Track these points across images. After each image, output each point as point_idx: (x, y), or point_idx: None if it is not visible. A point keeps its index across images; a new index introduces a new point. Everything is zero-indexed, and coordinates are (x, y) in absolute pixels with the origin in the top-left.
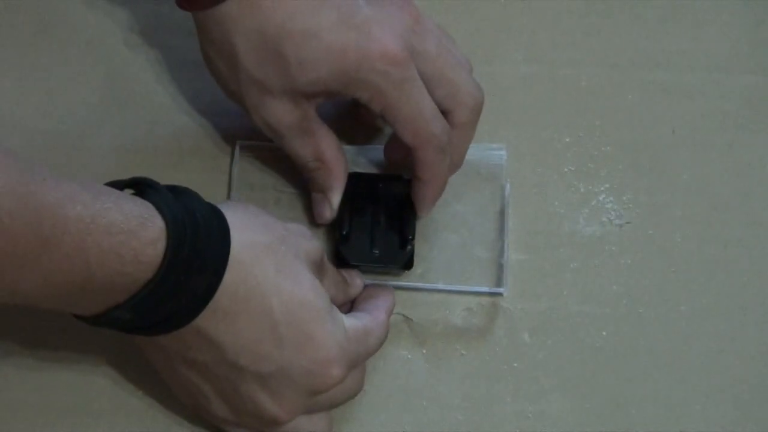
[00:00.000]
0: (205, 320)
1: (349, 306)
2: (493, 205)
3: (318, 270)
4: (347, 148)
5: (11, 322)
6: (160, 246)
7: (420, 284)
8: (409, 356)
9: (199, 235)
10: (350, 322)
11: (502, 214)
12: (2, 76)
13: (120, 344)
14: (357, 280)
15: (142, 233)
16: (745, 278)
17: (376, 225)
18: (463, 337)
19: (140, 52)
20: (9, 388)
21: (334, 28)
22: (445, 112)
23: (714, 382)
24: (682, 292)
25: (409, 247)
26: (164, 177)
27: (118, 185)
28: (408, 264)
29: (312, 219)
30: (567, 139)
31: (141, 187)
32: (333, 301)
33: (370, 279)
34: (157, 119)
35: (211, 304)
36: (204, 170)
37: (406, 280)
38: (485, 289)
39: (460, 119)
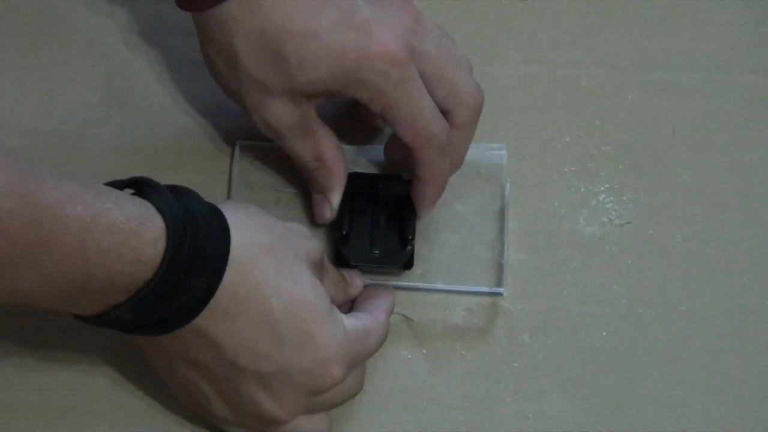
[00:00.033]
0: (205, 320)
1: (349, 306)
2: (493, 205)
3: (318, 270)
4: (347, 148)
5: (11, 322)
6: (160, 246)
7: (420, 284)
8: (409, 356)
9: (199, 234)
10: (350, 322)
11: (502, 214)
12: (2, 76)
13: (120, 344)
14: (357, 280)
15: (142, 233)
16: (745, 278)
17: (376, 225)
18: (463, 337)
19: (140, 52)
20: (9, 388)
21: (334, 28)
22: (445, 112)
23: (714, 382)
24: (682, 292)
25: (409, 247)
26: (164, 177)
27: (118, 185)
28: (408, 264)
29: (312, 219)
30: (567, 139)
31: (141, 187)
32: (333, 301)
33: (370, 279)
34: (157, 119)
35: (211, 304)
36: (204, 170)
37: (406, 280)
38: (485, 289)
39: (460, 119)
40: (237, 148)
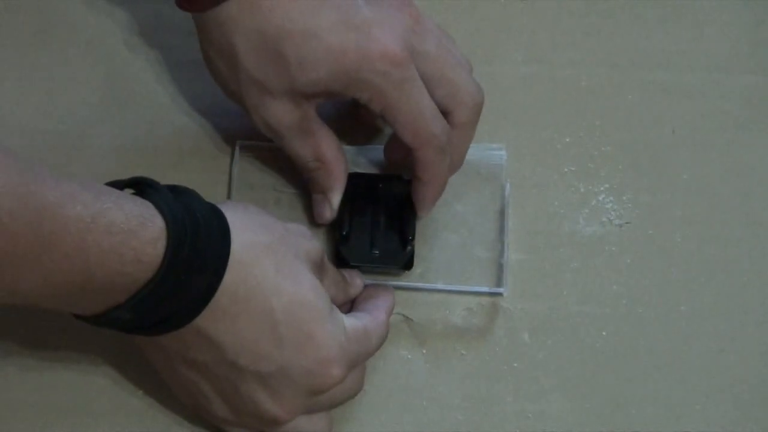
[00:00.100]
0: (205, 320)
1: (349, 306)
2: (493, 205)
3: (318, 270)
4: (347, 148)
5: (11, 322)
6: (160, 246)
7: (420, 284)
8: (409, 356)
9: (199, 234)
10: (350, 322)
11: (502, 214)
12: (2, 76)
13: (120, 344)
14: (357, 280)
15: (142, 233)
16: (745, 278)
17: (376, 225)
18: (463, 337)
19: (140, 52)
20: (9, 388)
21: (334, 28)
22: (445, 113)
23: (714, 382)
24: (682, 292)
25: (409, 247)
26: (164, 177)
27: (118, 185)
28: (408, 264)
29: (312, 219)
30: (567, 139)
31: (141, 186)
32: (333, 301)
33: (370, 279)
34: (157, 119)
35: (211, 304)
36: (204, 170)
37: (406, 280)
38: (485, 289)
39: (460, 119)
40: (237, 148)
